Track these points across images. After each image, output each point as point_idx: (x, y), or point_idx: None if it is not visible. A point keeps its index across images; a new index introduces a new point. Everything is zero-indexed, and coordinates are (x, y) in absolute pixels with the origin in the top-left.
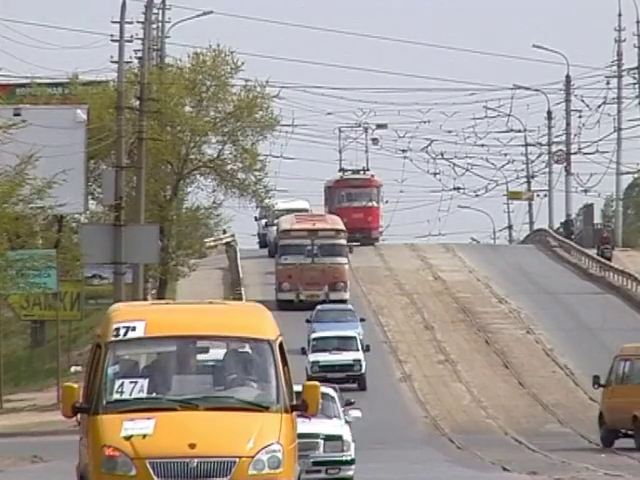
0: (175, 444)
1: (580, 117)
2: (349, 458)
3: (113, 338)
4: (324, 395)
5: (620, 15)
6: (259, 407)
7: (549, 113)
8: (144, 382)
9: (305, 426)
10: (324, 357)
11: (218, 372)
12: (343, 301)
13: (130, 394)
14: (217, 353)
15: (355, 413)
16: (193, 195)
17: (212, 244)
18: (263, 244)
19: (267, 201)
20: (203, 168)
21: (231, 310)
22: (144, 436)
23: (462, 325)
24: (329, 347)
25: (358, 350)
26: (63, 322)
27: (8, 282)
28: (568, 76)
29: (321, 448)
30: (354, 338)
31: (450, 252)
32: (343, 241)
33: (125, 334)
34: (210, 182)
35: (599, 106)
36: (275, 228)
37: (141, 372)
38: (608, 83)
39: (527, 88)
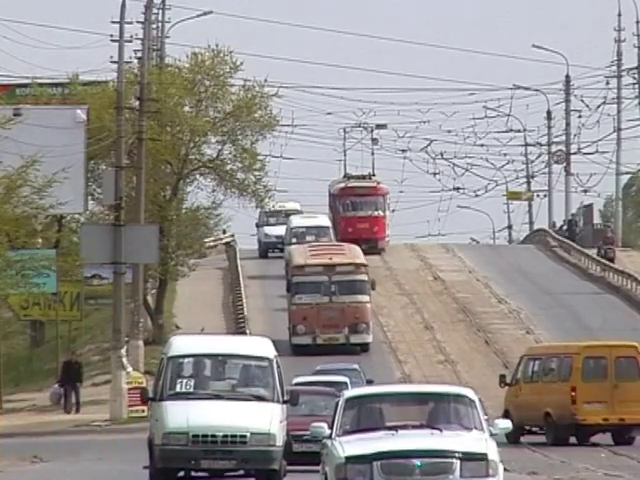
0: None
1: (580, 117)
2: None
3: None
4: (460, 398)
5: (620, 15)
6: None
7: (549, 113)
8: None
9: (435, 441)
10: None
11: None
12: (365, 344)
13: None
14: None
15: (503, 423)
16: (193, 195)
17: (212, 244)
18: (263, 253)
19: (267, 202)
20: (203, 168)
21: None
22: None
23: (462, 325)
24: None
25: None
26: (63, 322)
27: (8, 282)
28: (568, 76)
29: (457, 471)
30: (344, 384)
31: (450, 252)
32: (364, 276)
33: None
34: (210, 182)
35: (599, 106)
36: (292, 248)
37: None
38: (608, 83)
39: (527, 88)
